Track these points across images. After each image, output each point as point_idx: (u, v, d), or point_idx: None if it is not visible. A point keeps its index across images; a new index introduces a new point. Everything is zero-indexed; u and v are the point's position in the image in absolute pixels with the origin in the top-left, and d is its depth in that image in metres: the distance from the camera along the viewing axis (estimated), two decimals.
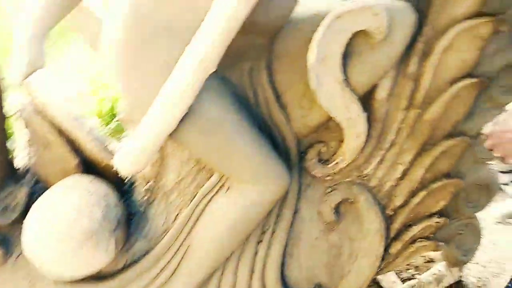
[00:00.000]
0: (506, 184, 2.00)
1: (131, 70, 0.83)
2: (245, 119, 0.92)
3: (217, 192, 1.00)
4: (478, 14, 1.01)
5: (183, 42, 0.77)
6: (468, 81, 1.08)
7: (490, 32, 1.04)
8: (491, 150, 0.80)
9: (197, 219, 1.01)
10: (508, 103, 1.18)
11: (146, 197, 1.06)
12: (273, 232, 1.10)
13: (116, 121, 2.24)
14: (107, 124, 2.32)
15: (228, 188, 0.98)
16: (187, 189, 1.06)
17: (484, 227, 1.39)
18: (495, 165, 1.36)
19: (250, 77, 0.95)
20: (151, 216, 1.05)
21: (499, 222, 1.84)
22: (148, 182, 1.07)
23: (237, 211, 0.95)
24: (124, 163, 0.86)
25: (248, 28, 0.76)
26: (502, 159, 0.79)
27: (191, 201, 1.04)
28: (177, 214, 1.05)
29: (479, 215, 1.35)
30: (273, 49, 0.95)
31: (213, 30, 0.71)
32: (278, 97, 0.98)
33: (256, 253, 1.10)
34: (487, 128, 0.81)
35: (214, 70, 0.77)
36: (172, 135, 0.85)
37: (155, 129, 0.83)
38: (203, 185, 1.04)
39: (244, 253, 1.08)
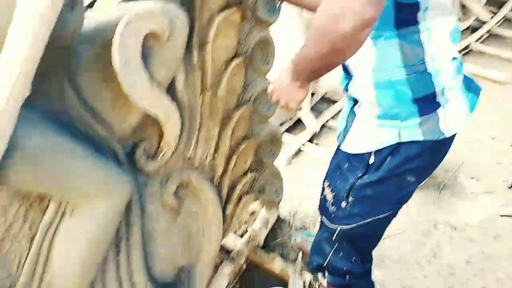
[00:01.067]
0: (282, 134, 2.52)
1: None
2: (68, 137, 0.91)
3: (60, 221, 0.95)
4: (228, 6, 1.27)
5: None
6: (237, 60, 1.36)
7: (240, 19, 1.33)
8: (277, 102, 1.05)
9: (47, 256, 0.94)
10: (268, 70, 1.53)
11: None
12: (127, 239, 1.13)
13: None
14: None
15: (72, 211, 0.95)
16: (20, 233, 0.97)
17: None
18: (273, 121, 1.73)
19: (58, 97, 0.94)
20: None
21: (287, 165, 2.33)
22: None
23: (90, 229, 0.94)
24: None
25: (46, 47, 0.77)
26: (286, 107, 1.04)
27: (31, 242, 0.96)
28: (19, 262, 0.95)
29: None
30: (71, 63, 0.96)
31: (20, 51, 0.69)
32: (91, 108, 1.00)
33: (118, 266, 1.10)
34: (269, 87, 1.06)
35: (28, 93, 0.74)
36: None
37: None
38: (39, 222, 0.97)
39: (107, 270, 1.07)
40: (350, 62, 0.99)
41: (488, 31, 4.05)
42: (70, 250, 0.94)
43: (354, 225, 1.18)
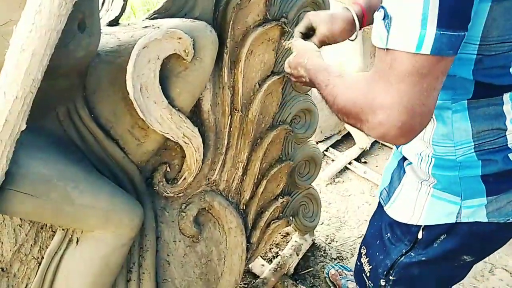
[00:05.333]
0: (326, 150, 2.37)
1: None
2: (76, 165, 0.87)
3: (66, 248, 0.93)
4: (265, 21, 1.17)
5: None
6: (273, 78, 1.26)
7: (279, 34, 1.22)
8: (290, 74, 0.91)
9: (52, 283, 0.92)
10: (308, 90, 1.41)
11: None
12: (140, 265, 1.08)
13: None
14: None
15: (78, 240, 0.92)
16: (29, 255, 0.95)
17: (319, 190, 1.63)
18: (312, 140, 1.60)
19: (70, 119, 0.90)
20: None
21: (329, 183, 2.18)
22: None
23: (97, 260, 0.90)
24: None
25: (52, 73, 0.72)
26: (295, 84, 0.89)
27: (39, 266, 0.95)
28: (26, 286, 0.94)
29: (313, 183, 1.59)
30: (87, 86, 0.92)
31: (13, 87, 0.65)
32: (107, 132, 0.96)
33: None
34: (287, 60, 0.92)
35: (24, 128, 0.70)
36: None
37: None
38: (47, 246, 0.95)
39: None
40: None
41: None
42: (73, 282, 0.91)
43: None
